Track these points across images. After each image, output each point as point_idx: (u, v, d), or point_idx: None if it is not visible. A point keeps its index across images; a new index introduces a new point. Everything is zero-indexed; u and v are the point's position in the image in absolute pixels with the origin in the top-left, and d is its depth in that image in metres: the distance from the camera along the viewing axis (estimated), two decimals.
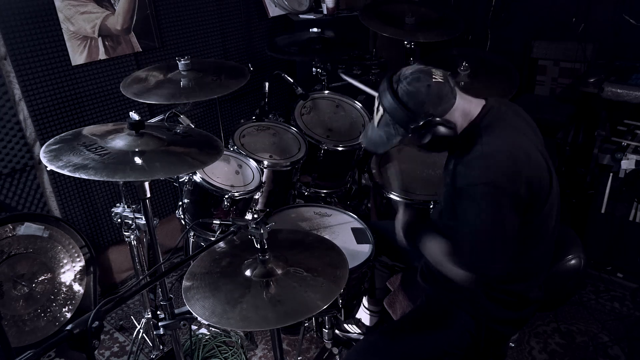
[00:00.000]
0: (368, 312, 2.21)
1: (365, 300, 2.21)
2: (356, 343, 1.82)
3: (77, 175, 1.25)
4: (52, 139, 1.45)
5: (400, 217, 1.73)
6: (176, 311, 1.57)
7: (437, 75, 1.42)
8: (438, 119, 1.41)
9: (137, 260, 2.04)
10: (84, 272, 2.41)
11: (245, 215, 2.19)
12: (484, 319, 1.54)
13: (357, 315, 2.25)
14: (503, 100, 1.55)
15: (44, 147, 1.39)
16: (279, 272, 1.34)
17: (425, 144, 1.47)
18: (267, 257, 1.35)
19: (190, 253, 2.39)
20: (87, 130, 1.53)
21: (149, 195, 1.46)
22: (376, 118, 1.52)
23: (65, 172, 1.27)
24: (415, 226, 1.68)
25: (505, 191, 1.34)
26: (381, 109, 1.48)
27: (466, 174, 1.40)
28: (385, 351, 1.55)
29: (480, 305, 1.53)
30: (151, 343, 2.25)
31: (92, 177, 1.25)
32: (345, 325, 2.26)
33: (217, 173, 2.14)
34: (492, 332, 1.55)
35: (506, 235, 1.37)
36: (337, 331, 2.19)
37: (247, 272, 1.34)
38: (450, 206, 1.50)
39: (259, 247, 1.34)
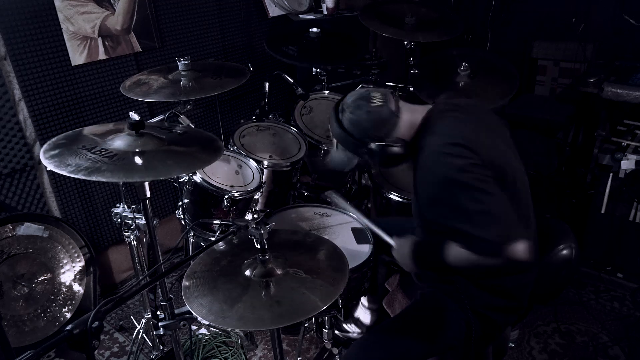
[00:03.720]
0: (367, 309, 2.21)
1: (363, 299, 2.21)
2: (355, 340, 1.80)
3: (78, 176, 1.25)
4: (53, 139, 1.45)
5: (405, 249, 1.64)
6: (176, 311, 1.57)
7: (377, 99, 1.49)
8: (384, 141, 1.48)
9: (137, 260, 2.04)
10: (84, 272, 2.41)
11: (245, 215, 2.20)
12: (476, 307, 1.55)
13: (356, 314, 2.25)
14: (460, 100, 1.61)
15: (44, 147, 1.38)
16: (279, 272, 1.34)
17: (380, 165, 1.56)
18: (267, 257, 1.35)
19: (190, 253, 2.39)
20: (87, 130, 1.53)
21: (149, 195, 1.47)
22: (334, 142, 1.62)
23: (65, 173, 1.27)
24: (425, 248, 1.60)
25: (467, 171, 1.35)
26: None
27: (425, 178, 1.44)
28: (385, 348, 1.56)
29: (470, 294, 1.54)
30: (151, 343, 2.25)
31: (92, 178, 1.25)
32: (344, 325, 2.26)
33: (217, 173, 2.14)
34: (485, 320, 1.56)
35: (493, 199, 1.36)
36: (336, 331, 2.19)
37: (247, 272, 1.34)
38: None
39: (259, 247, 1.34)
